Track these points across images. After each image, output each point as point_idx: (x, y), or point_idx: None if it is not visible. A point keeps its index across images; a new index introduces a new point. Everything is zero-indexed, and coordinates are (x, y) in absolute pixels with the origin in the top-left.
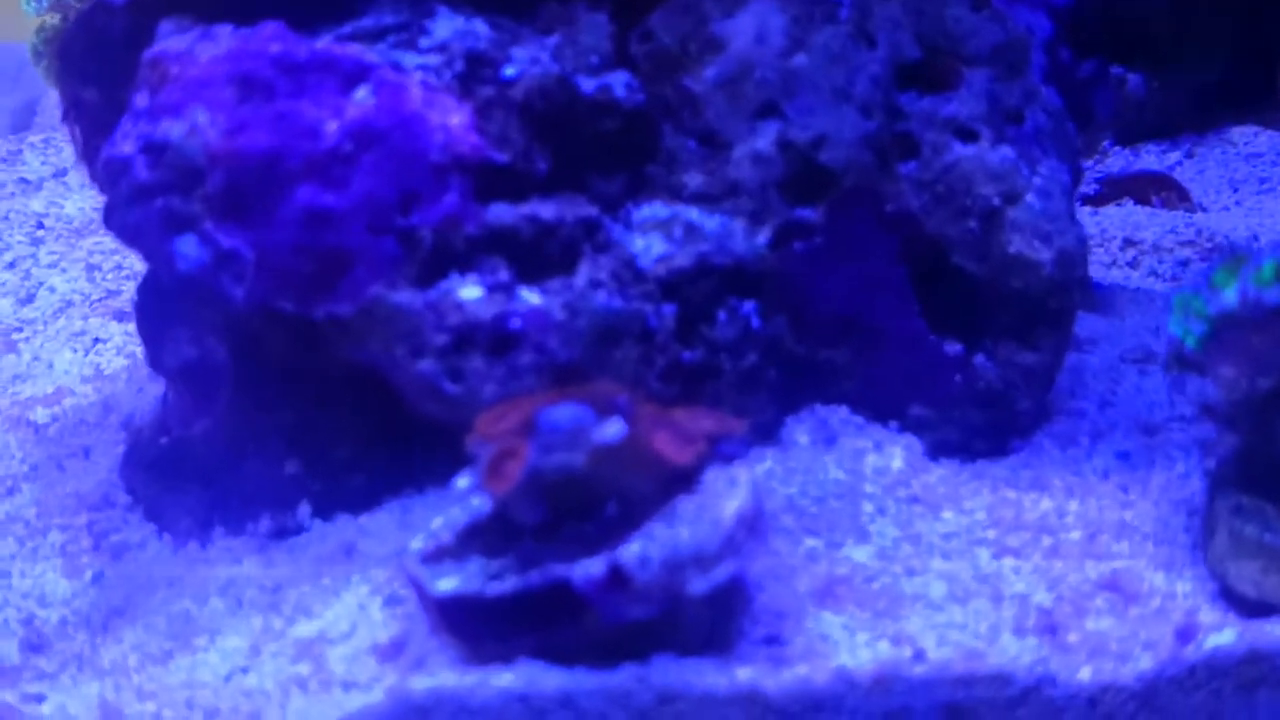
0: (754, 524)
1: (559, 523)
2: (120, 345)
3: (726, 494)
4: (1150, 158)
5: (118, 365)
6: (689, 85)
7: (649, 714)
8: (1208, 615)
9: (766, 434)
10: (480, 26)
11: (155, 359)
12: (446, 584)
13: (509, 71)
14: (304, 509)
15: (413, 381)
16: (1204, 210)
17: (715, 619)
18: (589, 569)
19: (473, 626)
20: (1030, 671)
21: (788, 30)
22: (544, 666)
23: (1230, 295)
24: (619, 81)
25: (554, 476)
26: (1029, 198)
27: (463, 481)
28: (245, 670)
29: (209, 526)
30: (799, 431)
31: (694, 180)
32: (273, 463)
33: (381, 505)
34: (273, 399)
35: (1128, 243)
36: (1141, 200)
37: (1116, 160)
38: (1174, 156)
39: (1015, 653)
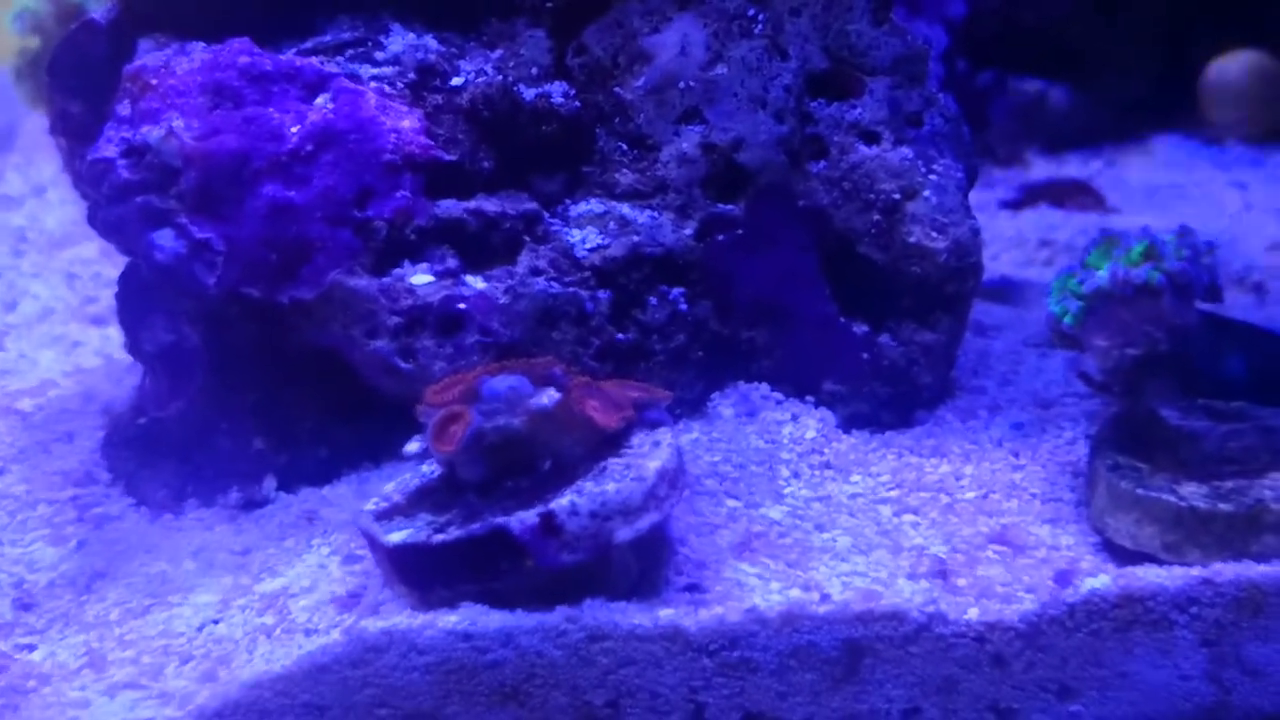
0: (675, 480)
1: (499, 480)
2: (98, 347)
3: (651, 454)
4: (1073, 165)
5: (96, 364)
6: (620, 93)
7: (580, 649)
8: (1089, 564)
9: (694, 408)
10: (430, 41)
11: (134, 346)
12: (396, 536)
13: (457, 81)
14: (270, 482)
15: (369, 360)
16: (1118, 213)
17: (642, 569)
18: (525, 518)
19: (421, 574)
20: (922, 611)
21: (708, 44)
22: (486, 609)
23: (1103, 275)
24: (557, 90)
25: (494, 437)
26: (926, 193)
27: (412, 446)
28: (216, 621)
29: (183, 498)
30: (723, 405)
31: (626, 179)
32: (241, 439)
33: (342, 477)
34: (241, 380)
35: (1043, 243)
36: (1059, 205)
37: (1040, 168)
38: (1096, 164)
39: (909, 595)
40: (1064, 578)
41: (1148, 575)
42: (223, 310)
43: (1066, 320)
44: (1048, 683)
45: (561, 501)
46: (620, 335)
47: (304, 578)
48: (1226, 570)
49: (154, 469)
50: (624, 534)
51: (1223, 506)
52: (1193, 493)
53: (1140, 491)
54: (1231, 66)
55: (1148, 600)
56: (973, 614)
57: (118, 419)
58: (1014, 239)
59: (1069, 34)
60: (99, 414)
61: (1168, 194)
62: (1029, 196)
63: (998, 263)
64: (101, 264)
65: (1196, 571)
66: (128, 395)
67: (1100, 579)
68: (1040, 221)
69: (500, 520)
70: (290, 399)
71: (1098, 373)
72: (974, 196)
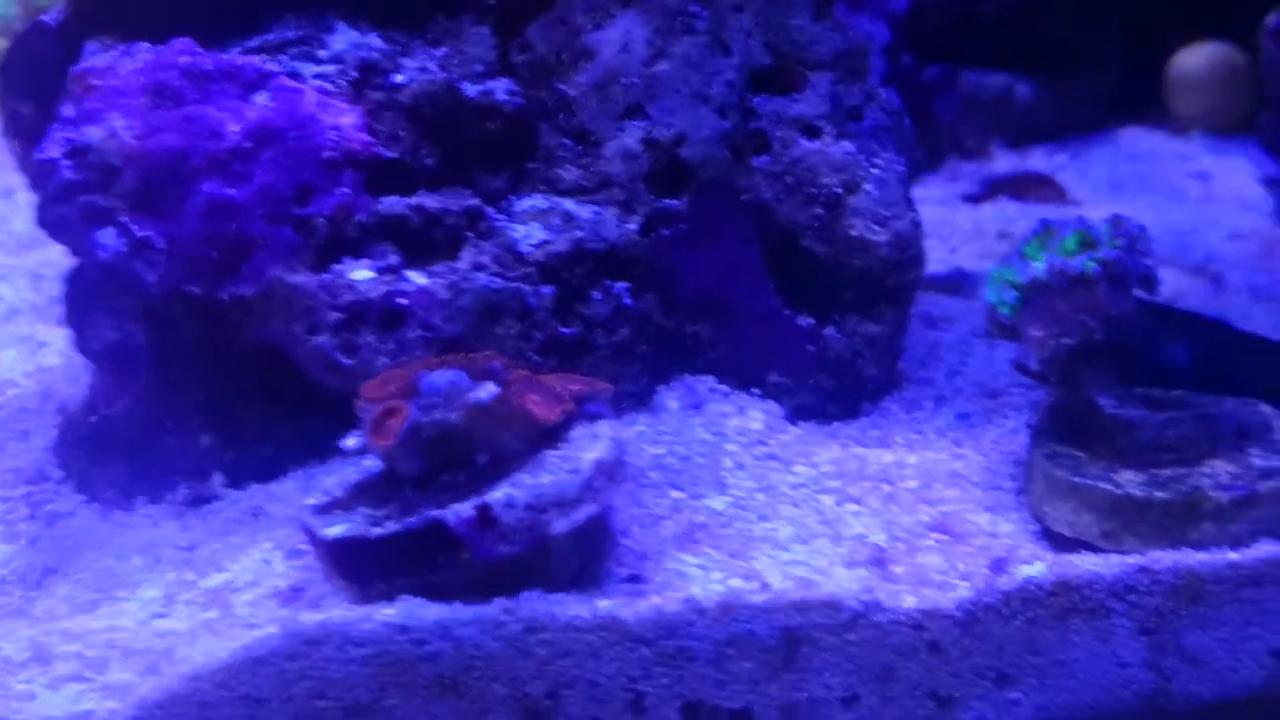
0: (613, 472)
1: (437, 474)
2: (62, 348)
3: (589, 447)
4: (1038, 159)
5: (58, 364)
6: (564, 90)
7: (518, 641)
8: (1028, 552)
9: (640, 401)
10: (374, 39)
11: (82, 344)
12: (334, 530)
13: (399, 78)
14: (217, 478)
15: (310, 356)
16: (1078, 205)
17: (584, 561)
18: (461, 511)
19: (359, 567)
20: (858, 599)
21: (651, 40)
22: (423, 602)
23: (1038, 265)
24: (501, 87)
25: (432, 431)
26: (867, 186)
27: (350, 441)
28: (161, 616)
29: (132, 495)
30: (669, 398)
31: (570, 174)
32: (188, 436)
33: (289, 473)
34: (187, 378)
35: (1001, 235)
36: (1020, 198)
37: (1005, 161)
38: (1061, 157)
39: (845, 583)
40: (999, 565)
41: (1084, 563)
42: (166, 308)
43: (1003, 310)
44: (986, 670)
45: (497, 494)
46: (564, 329)
47: (248, 572)
48: (1164, 558)
49: (104, 466)
50: (560, 526)
51: (1159, 494)
52: (1129, 481)
53: (1076, 480)
54: (1195, 59)
55: (1084, 588)
56: (909, 602)
57: (71, 417)
58: (973, 231)
59: (1035, 28)
60: (55, 413)
61: (1131, 186)
62: (990, 190)
63: (956, 255)
64: (68, 265)
65: (1134, 559)
66: (84, 394)
67: (1036, 567)
68: (1000, 214)
69: (436, 513)
70: (236, 396)
71: (1034, 362)
72: (938, 190)
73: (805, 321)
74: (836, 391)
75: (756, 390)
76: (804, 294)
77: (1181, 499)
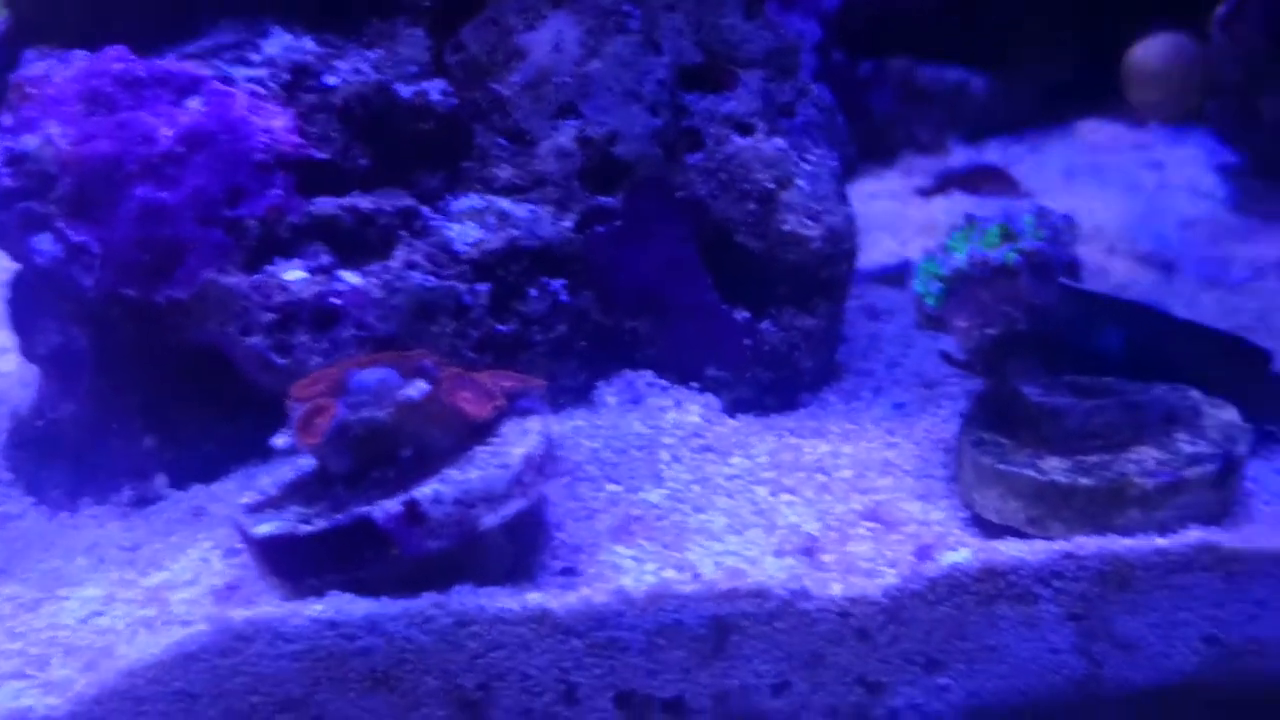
0: (543, 467)
1: (367, 471)
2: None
3: (519, 442)
4: (994, 152)
5: (13, 369)
6: (498, 90)
7: (448, 634)
8: (956, 538)
9: (579, 396)
10: (308, 43)
11: (28, 349)
12: (264, 528)
13: (331, 80)
14: (160, 479)
15: (245, 356)
16: (1031, 197)
17: (518, 554)
18: (388, 507)
19: (290, 565)
20: (785, 587)
21: (583, 40)
22: (353, 597)
23: (961, 257)
24: (435, 88)
25: (360, 429)
26: (799, 182)
27: (280, 440)
28: (101, 614)
29: (78, 497)
30: (608, 393)
31: (505, 173)
32: (132, 439)
33: (230, 473)
34: (128, 380)
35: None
36: (973, 191)
37: (961, 155)
38: (1017, 150)
39: (773, 572)
40: (924, 552)
41: (1009, 549)
42: (105, 311)
43: (929, 301)
44: (914, 655)
45: (425, 490)
46: (501, 327)
47: (187, 571)
48: (1090, 544)
49: (51, 469)
50: (489, 520)
51: (1084, 481)
52: (1055, 467)
53: (1002, 467)
54: (1152, 50)
55: (1009, 574)
56: (836, 589)
57: (21, 421)
58: (924, 225)
59: (991, 23)
60: (7, 416)
61: (1085, 176)
62: (943, 183)
63: (907, 248)
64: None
65: (1059, 545)
66: (33, 398)
67: (961, 553)
68: (952, 207)
69: (364, 510)
70: (177, 397)
71: (960, 352)
72: (893, 184)
73: (741, 315)
74: (774, 384)
75: (695, 384)
76: (740, 288)
77: (1107, 485)
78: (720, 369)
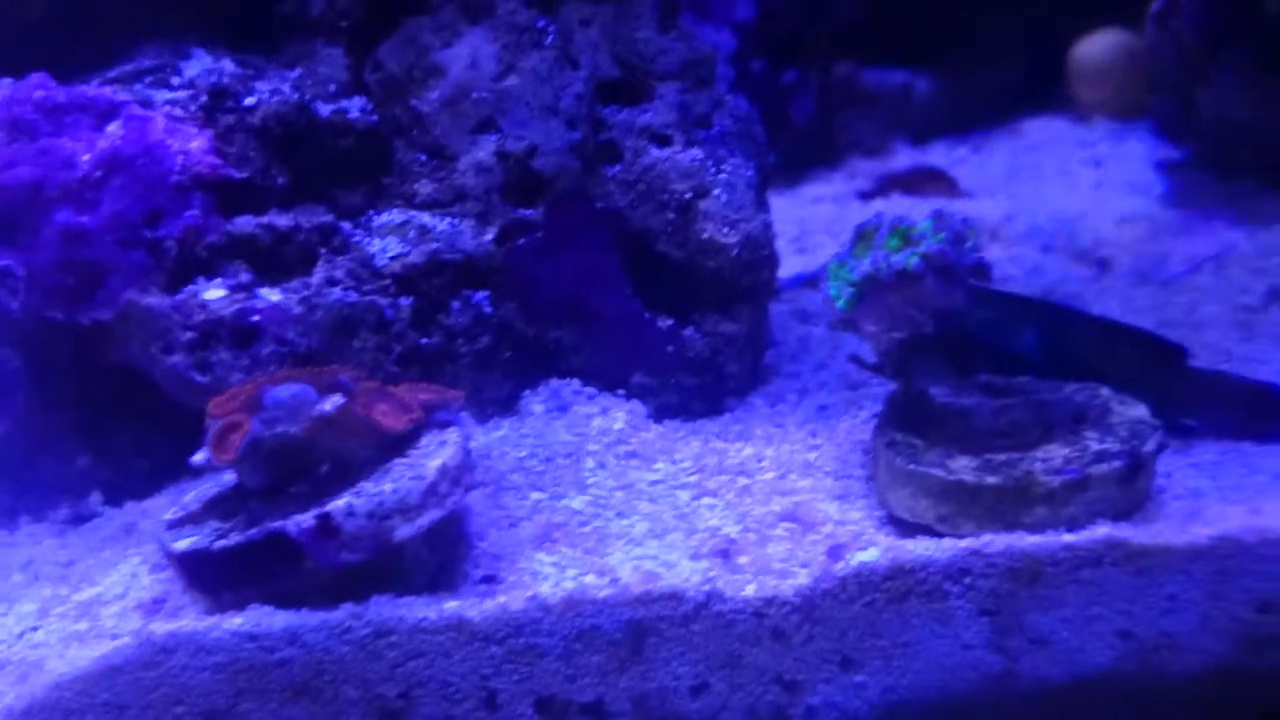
0: (459, 477)
1: (283, 486)
2: None
3: (435, 453)
4: (938, 154)
5: None
6: (417, 106)
7: (367, 644)
8: (871, 537)
9: (505, 407)
10: (228, 64)
11: None
12: (182, 543)
13: (250, 101)
14: (95, 497)
15: (167, 375)
16: (971, 198)
17: (441, 563)
18: (301, 521)
19: (208, 579)
20: (699, 590)
21: (499, 56)
22: (272, 610)
23: (866, 262)
24: (354, 106)
25: (273, 445)
26: (716, 191)
27: (198, 456)
28: (35, 629)
29: (15, 516)
30: (534, 403)
31: (425, 188)
32: (66, 457)
33: (163, 489)
34: (61, 400)
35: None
36: (913, 193)
37: (905, 157)
38: (962, 151)
39: (688, 574)
40: (836, 552)
41: (917, 547)
42: (34, 333)
43: (839, 305)
44: (830, 654)
45: (338, 503)
46: (424, 340)
47: (117, 586)
48: (997, 541)
49: None
50: (405, 531)
51: (990, 480)
52: (963, 467)
53: (913, 467)
54: (1095, 45)
55: (918, 571)
56: (749, 590)
57: None
58: (924, 215)
59: (937, 25)
60: None
61: (1026, 175)
62: (884, 186)
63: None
64: None
65: (966, 543)
66: None
67: (870, 552)
68: (890, 210)
69: (277, 524)
70: (109, 416)
71: (871, 356)
72: (836, 187)
73: (665, 323)
74: (699, 389)
75: (621, 391)
76: (663, 296)
77: (1013, 484)
78: (645, 376)
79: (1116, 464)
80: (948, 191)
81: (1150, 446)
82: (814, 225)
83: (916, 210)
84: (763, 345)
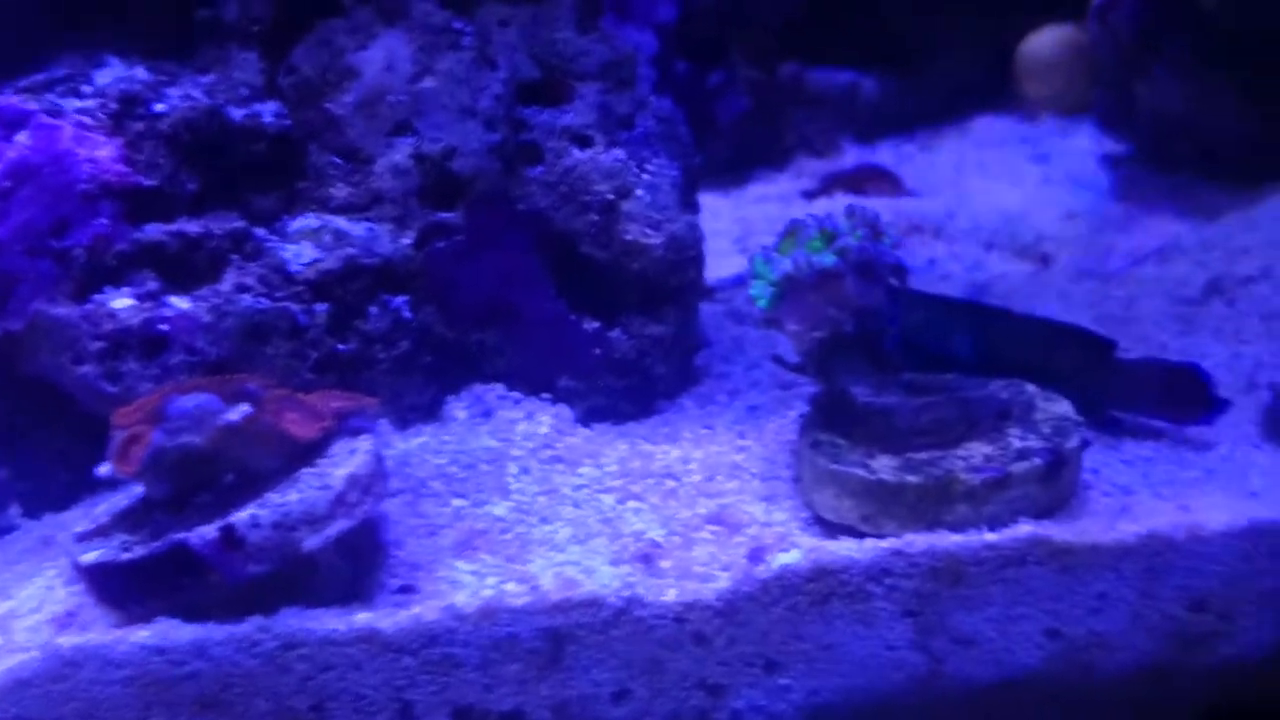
0: (369, 486)
1: (189, 497)
2: None
3: (346, 462)
4: (886, 152)
5: None
6: (331, 109)
7: (276, 657)
8: (797, 538)
9: (427, 412)
10: (140, 71)
11: None
12: (89, 556)
13: (160, 107)
14: (14, 510)
15: (78, 385)
16: (915, 197)
17: (357, 573)
18: (205, 533)
19: (115, 592)
20: (619, 595)
21: (415, 58)
22: (180, 623)
23: (788, 262)
24: (268, 110)
25: (176, 456)
26: (639, 192)
27: (104, 468)
28: None
29: None
30: (457, 408)
31: (341, 192)
32: None
33: (81, 501)
34: None
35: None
36: (857, 191)
37: (853, 155)
38: (910, 149)
39: (608, 580)
40: (757, 555)
41: (839, 549)
42: None
43: (760, 305)
44: (753, 658)
45: (242, 515)
46: (341, 346)
47: (32, 599)
48: (919, 541)
49: None
50: (312, 542)
51: (911, 479)
52: (884, 466)
53: (834, 467)
54: (1042, 41)
55: (840, 573)
56: (670, 595)
57: None
58: (842, 213)
59: (884, 24)
60: None
61: (972, 173)
62: (828, 185)
63: None
64: None
65: (888, 543)
66: None
67: (792, 554)
68: (833, 210)
69: (180, 536)
70: (27, 427)
71: (794, 355)
72: (782, 187)
73: (590, 325)
74: (627, 391)
75: (547, 395)
76: (588, 298)
77: (934, 482)
78: (572, 379)
79: (1037, 461)
80: (892, 190)
81: (1073, 443)
82: (757, 224)
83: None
84: (692, 346)
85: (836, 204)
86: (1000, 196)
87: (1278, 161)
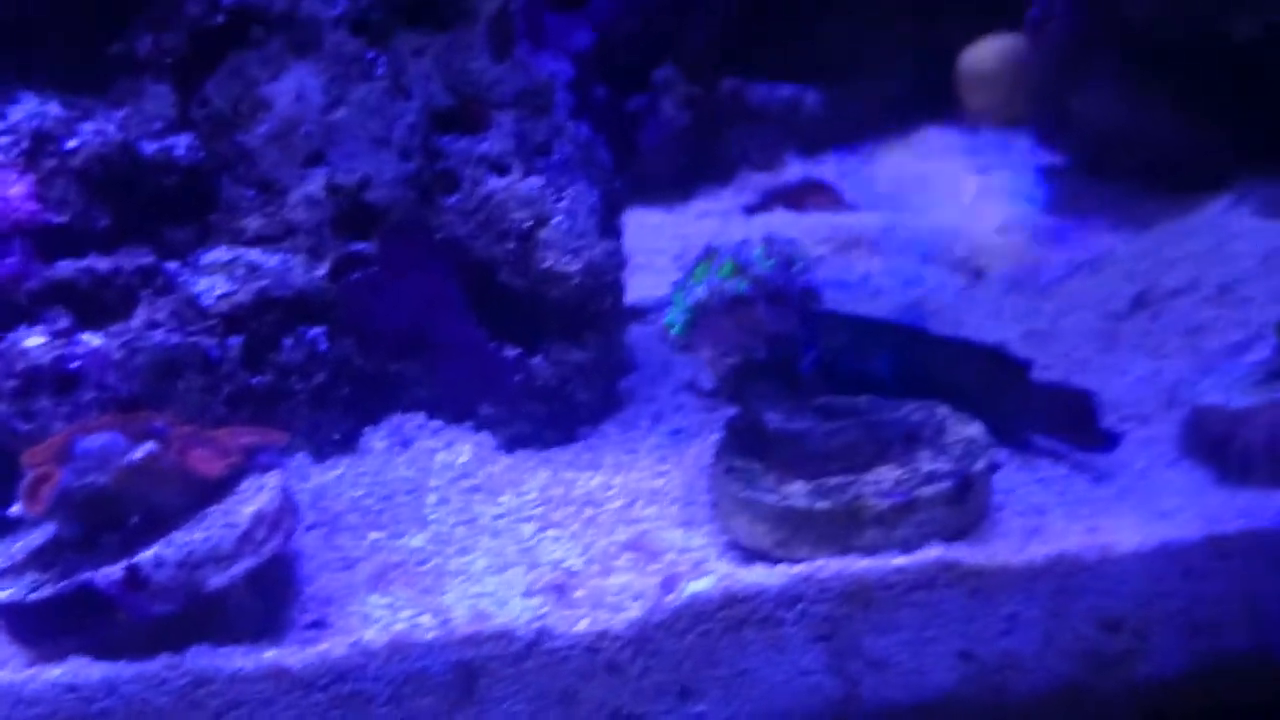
0: (277, 522)
1: (98, 536)
2: None
3: (253, 499)
4: (829, 166)
5: None
6: (244, 141)
7: (186, 694)
8: (713, 565)
9: (345, 444)
10: (54, 107)
11: None
12: (1, 594)
13: (72, 143)
14: None
15: None
16: (854, 210)
17: (270, 609)
18: (110, 573)
19: (28, 630)
20: (529, 627)
21: (327, 89)
22: (90, 661)
23: (701, 289)
24: (181, 143)
25: (83, 495)
26: (557, 219)
27: (15, 509)
28: None
29: None
30: (376, 439)
31: (254, 224)
32: None
33: (3, 539)
34: None
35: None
36: (796, 207)
37: (796, 169)
38: (853, 162)
39: (518, 612)
40: (669, 583)
41: (750, 575)
42: None
43: (674, 332)
44: (667, 685)
45: (146, 554)
46: (256, 379)
47: None
48: (829, 566)
49: None
50: (217, 581)
51: (820, 504)
52: (795, 491)
53: (747, 493)
54: (982, 53)
55: (751, 599)
56: (582, 625)
57: None
58: (755, 241)
59: (830, 37)
60: None
61: (912, 185)
62: (768, 200)
63: None
64: None
65: (798, 569)
66: None
67: (703, 582)
68: (772, 224)
69: (86, 576)
70: None
71: (708, 382)
72: (725, 202)
73: (511, 352)
74: (550, 418)
75: (469, 423)
76: (509, 325)
77: (843, 508)
78: (493, 406)
79: (944, 485)
80: (831, 204)
81: (981, 465)
82: (698, 241)
83: (798, 225)
84: (616, 371)
85: (776, 219)
86: (938, 209)
87: (1213, 171)
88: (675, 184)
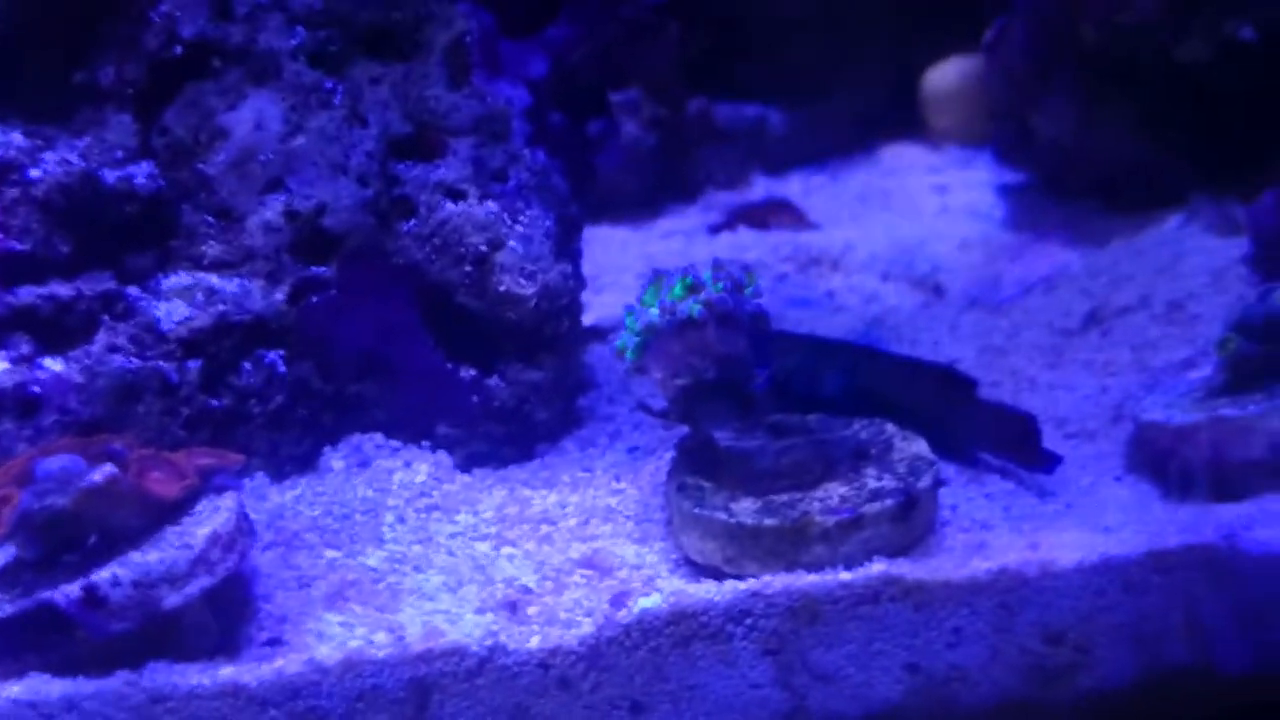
0: (231, 543)
1: (57, 557)
2: None
3: (209, 520)
4: (795, 184)
5: None
6: (204, 169)
7: (144, 711)
8: (665, 581)
9: (304, 464)
10: (17, 137)
11: None
12: None
13: (34, 173)
14: None
15: None
16: (817, 229)
17: (226, 627)
18: (69, 592)
19: None
20: (481, 644)
21: (285, 117)
22: (50, 678)
23: (652, 311)
24: (142, 171)
25: (44, 517)
26: (512, 243)
27: None
28: None
29: None
30: (335, 459)
31: (213, 250)
32: None
33: None
34: None
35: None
36: (759, 225)
37: (762, 188)
38: (819, 180)
39: (470, 629)
40: (620, 599)
41: (698, 591)
42: None
43: (628, 355)
44: (618, 700)
45: (104, 574)
46: (214, 402)
47: None
48: (776, 582)
49: None
50: (173, 600)
51: (768, 521)
52: (744, 509)
53: (697, 511)
54: (945, 72)
55: (700, 615)
56: (534, 642)
57: None
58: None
59: (794, 57)
60: None
61: (874, 204)
62: (733, 219)
63: None
64: None
65: (746, 585)
66: None
67: (652, 598)
68: (736, 243)
69: (46, 595)
70: None
71: (659, 402)
72: (691, 221)
73: (468, 373)
74: (507, 437)
75: (426, 443)
76: (466, 347)
77: (790, 524)
78: (451, 426)
79: (889, 502)
80: (795, 222)
81: (925, 482)
82: (662, 260)
83: (762, 244)
84: (574, 389)
85: (741, 238)
86: (900, 227)
87: (1168, 188)
88: (641, 203)
